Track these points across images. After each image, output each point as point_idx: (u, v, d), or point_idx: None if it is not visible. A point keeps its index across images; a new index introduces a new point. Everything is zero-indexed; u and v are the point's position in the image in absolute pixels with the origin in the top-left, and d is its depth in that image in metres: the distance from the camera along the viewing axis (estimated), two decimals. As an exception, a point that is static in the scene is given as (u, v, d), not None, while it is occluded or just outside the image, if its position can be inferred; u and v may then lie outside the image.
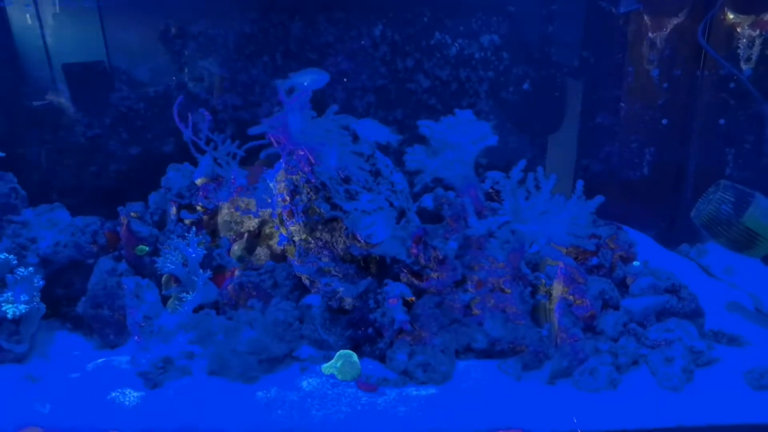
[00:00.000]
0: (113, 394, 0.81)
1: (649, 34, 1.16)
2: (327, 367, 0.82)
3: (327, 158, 0.78)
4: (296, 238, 0.90)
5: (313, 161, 0.82)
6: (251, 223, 1.00)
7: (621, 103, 1.20)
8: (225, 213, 1.01)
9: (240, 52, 1.14)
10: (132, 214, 0.97)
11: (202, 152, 1.00)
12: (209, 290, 0.96)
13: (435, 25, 1.20)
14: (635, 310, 0.86)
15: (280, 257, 1.02)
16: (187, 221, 1.00)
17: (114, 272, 0.98)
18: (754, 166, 1.21)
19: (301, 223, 0.87)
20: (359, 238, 0.85)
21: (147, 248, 0.99)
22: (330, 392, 0.78)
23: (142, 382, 0.83)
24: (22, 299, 0.87)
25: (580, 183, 0.78)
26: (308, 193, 0.86)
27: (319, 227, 0.88)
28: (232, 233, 1.01)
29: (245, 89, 1.13)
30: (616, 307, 0.88)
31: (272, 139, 0.83)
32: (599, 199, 0.78)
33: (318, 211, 0.86)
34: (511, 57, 1.21)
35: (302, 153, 0.84)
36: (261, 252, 1.02)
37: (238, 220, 1.01)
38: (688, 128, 1.22)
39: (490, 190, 0.86)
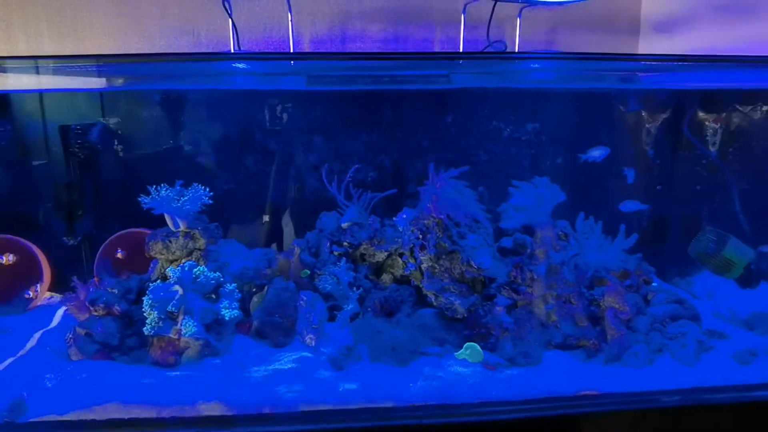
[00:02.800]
0: (314, 375, 1.14)
1: (647, 125, 1.65)
2: (459, 354, 1.18)
3: (454, 213, 1.19)
4: (424, 266, 1.29)
5: (440, 215, 1.23)
6: (381, 256, 1.38)
7: (629, 172, 1.66)
8: (363, 248, 1.38)
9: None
10: (298, 248, 1.34)
11: (346, 204, 1.40)
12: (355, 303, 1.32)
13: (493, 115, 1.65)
14: (657, 314, 1.27)
15: (398, 281, 1.39)
16: (336, 253, 1.37)
17: (286, 289, 1.33)
18: (723, 218, 1.68)
19: (432, 255, 1.26)
20: (474, 265, 1.24)
21: (308, 272, 1.35)
22: (466, 370, 1.15)
23: (330, 365, 1.17)
24: (233, 307, 1.21)
25: (622, 227, 1.20)
26: (437, 233, 1.26)
27: (443, 257, 1.27)
28: (365, 263, 1.39)
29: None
30: (644, 313, 1.29)
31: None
32: (634, 237, 1.20)
33: (444, 245, 1.26)
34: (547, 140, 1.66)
35: (431, 206, 1.25)
36: (386, 277, 1.39)
37: (371, 253, 1.39)
38: (675, 192, 1.69)
39: (560, 233, 1.28)
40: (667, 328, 1.25)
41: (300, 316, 1.30)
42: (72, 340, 1.27)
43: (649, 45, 1.85)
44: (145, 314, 1.21)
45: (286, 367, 1.19)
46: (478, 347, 1.19)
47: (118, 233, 1.58)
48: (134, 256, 1.60)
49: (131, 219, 1.57)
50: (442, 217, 1.23)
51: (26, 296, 1.51)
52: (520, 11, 1.56)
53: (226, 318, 1.21)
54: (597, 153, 1.40)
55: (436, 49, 1.75)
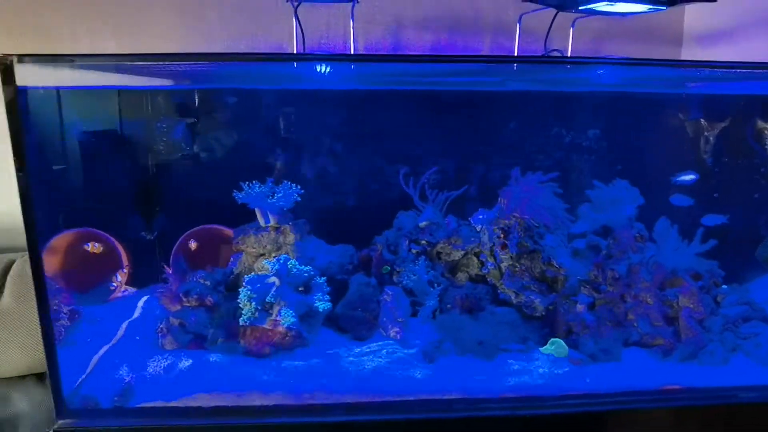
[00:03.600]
0: (406, 367, 1.19)
1: (705, 133, 1.70)
2: (545, 349, 1.24)
3: (539, 214, 1.25)
4: (504, 264, 1.34)
5: (524, 215, 1.28)
6: (457, 254, 1.44)
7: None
8: (440, 247, 1.44)
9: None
10: (380, 245, 1.39)
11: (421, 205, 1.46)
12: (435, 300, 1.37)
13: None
14: (730, 315, 1.32)
15: (473, 279, 1.45)
16: (414, 251, 1.42)
17: (368, 285, 1.39)
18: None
19: (513, 254, 1.32)
20: (555, 264, 1.30)
21: (389, 268, 1.40)
22: (554, 363, 1.20)
23: (421, 357, 1.22)
24: (325, 299, 1.27)
25: (700, 231, 1.26)
26: (520, 233, 1.31)
27: (524, 256, 1.32)
28: (441, 262, 1.44)
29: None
30: (716, 314, 1.34)
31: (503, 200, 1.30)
32: (713, 242, 1.26)
33: (526, 245, 1.31)
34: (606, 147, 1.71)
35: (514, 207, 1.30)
36: (461, 275, 1.45)
37: (448, 251, 1.44)
38: (734, 198, 1.73)
39: (636, 235, 1.33)
40: (740, 329, 1.30)
41: (384, 311, 1.35)
42: (165, 330, 1.33)
43: (692, 54, 1.90)
44: (241, 305, 1.27)
45: (377, 359, 1.24)
46: (563, 343, 1.24)
47: (193, 229, 1.64)
48: (207, 251, 1.66)
49: (205, 216, 1.63)
50: (525, 217, 1.28)
51: (111, 287, 1.57)
52: (574, 21, 1.61)
53: (320, 309, 1.26)
54: (688, 178, 1.45)
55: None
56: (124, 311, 1.56)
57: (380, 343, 1.31)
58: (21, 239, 1.07)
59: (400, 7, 1.72)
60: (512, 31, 1.68)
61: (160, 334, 1.33)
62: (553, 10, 1.46)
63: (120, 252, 1.63)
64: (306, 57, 1.39)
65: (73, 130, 1.48)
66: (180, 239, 1.64)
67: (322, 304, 1.26)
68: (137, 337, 1.40)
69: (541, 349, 1.25)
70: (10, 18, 1.55)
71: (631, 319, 1.30)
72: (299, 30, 1.43)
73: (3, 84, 0.93)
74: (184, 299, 1.35)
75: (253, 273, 1.34)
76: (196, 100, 1.57)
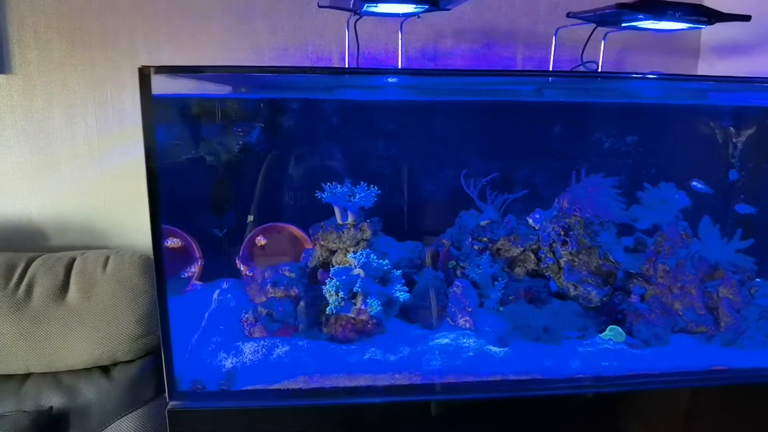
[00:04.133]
0: (482, 350, 1.33)
1: (733, 139, 1.86)
2: (605, 335, 1.38)
3: (601, 213, 1.39)
4: (564, 260, 1.48)
5: (585, 214, 1.43)
6: (516, 251, 1.57)
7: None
8: (500, 243, 1.58)
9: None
10: (448, 242, 1.53)
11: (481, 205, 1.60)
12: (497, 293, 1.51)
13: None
14: (764, 305, 1.48)
15: (530, 274, 1.58)
16: (476, 248, 1.56)
17: (436, 278, 1.52)
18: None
19: (573, 250, 1.46)
20: (611, 259, 1.44)
21: (455, 263, 1.54)
22: (614, 347, 1.35)
23: (495, 343, 1.35)
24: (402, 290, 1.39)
25: (739, 231, 1.41)
26: (579, 231, 1.45)
27: (582, 252, 1.46)
28: (501, 257, 1.58)
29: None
30: (751, 304, 1.49)
31: (562, 201, 1.44)
32: (750, 241, 1.42)
33: (584, 242, 1.45)
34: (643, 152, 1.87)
35: (574, 206, 1.44)
36: (519, 270, 1.58)
37: (507, 248, 1.58)
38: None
39: (682, 233, 1.48)
40: (774, 317, 1.45)
41: (452, 302, 1.48)
42: (253, 319, 1.44)
43: (709, 66, 2.06)
44: (327, 295, 1.39)
45: (455, 343, 1.37)
46: (620, 329, 1.39)
47: (261, 227, 1.76)
48: (277, 246, 1.78)
49: (273, 214, 1.75)
50: (586, 215, 1.43)
51: (182, 276, 1.67)
52: (606, 35, 1.75)
53: (401, 299, 1.39)
54: (700, 186, 1.60)
55: (519, 67, 1.96)
56: (199, 303, 1.67)
57: (453, 332, 1.44)
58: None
59: (439, 18, 1.84)
60: (541, 42, 1.82)
61: (246, 324, 1.45)
62: (589, 24, 1.57)
63: (194, 247, 1.74)
64: (405, 72, 1.52)
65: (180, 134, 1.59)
66: (249, 236, 1.76)
67: (402, 294, 1.39)
68: (221, 327, 1.51)
69: (600, 335, 1.40)
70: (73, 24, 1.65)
71: (678, 308, 1.44)
72: (355, 43, 1.55)
73: (141, 93, 1.04)
74: (271, 290, 1.46)
75: (335, 266, 1.46)
76: (280, 107, 1.69)
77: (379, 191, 1.47)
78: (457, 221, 1.62)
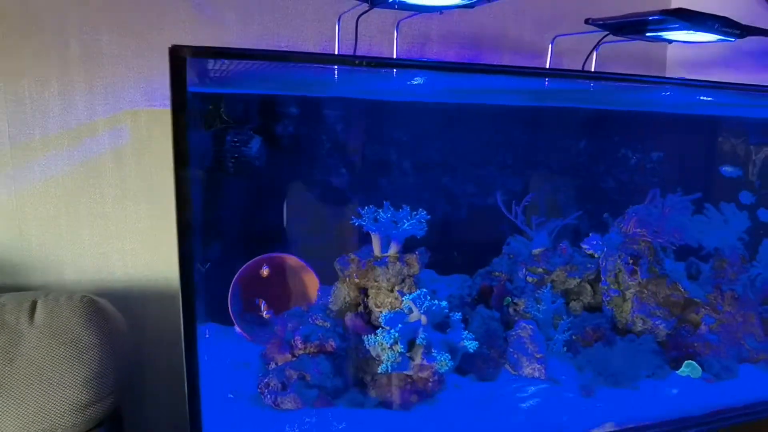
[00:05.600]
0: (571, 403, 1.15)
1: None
2: (682, 372, 1.27)
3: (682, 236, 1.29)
4: (631, 291, 1.35)
5: (659, 239, 1.31)
6: (573, 282, 1.41)
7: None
8: (555, 275, 1.41)
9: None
10: (504, 275, 1.32)
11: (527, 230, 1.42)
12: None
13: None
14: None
15: (587, 308, 1.43)
16: (531, 280, 1.37)
17: (492, 318, 1.30)
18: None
19: (643, 279, 1.33)
20: (681, 288, 1.33)
21: (510, 300, 1.33)
22: (693, 383, 1.24)
23: (579, 392, 1.17)
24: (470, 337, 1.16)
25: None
26: (649, 258, 1.33)
27: (652, 282, 1.34)
28: (556, 291, 1.41)
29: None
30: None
31: (629, 224, 1.31)
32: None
33: (655, 270, 1.33)
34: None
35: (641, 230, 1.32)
36: (575, 304, 1.43)
37: (563, 279, 1.41)
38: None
39: (740, 255, 1.42)
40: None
41: (515, 347, 1.27)
42: (278, 385, 1.12)
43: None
44: (379, 348, 1.11)
45: (530, 397, 1.17)
46: (696, 364, 1.28)
47: (251, 261, 1.42)
48: (279, 285, 1.45)
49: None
50: (657, 241, 1.31)
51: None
52: (598, 44, 1.67)
53: (470, 350, 1.15)
54: (731, 169, 1.57)
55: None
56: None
57: (518, 382, 1.24)
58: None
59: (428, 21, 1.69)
60: (530, 51, 1.72)
61: (268, 392, 1.12)
62: (586, 34, 1.47)
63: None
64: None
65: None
66: (240, 274, 1.41)
67: (471, 343, 1.15)
68: (230, 395, 1.16)
69: (677, 371, 1.28)
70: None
71: (739, 336, 1.38)
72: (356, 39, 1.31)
73: (173, 85, 0.72)
74: (302, 346, 1.15)
75: (381, 310, 1.19)
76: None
77: (428, 216, 1.23)
78: (505, 249, 1.43)
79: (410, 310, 1.16)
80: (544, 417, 1.12)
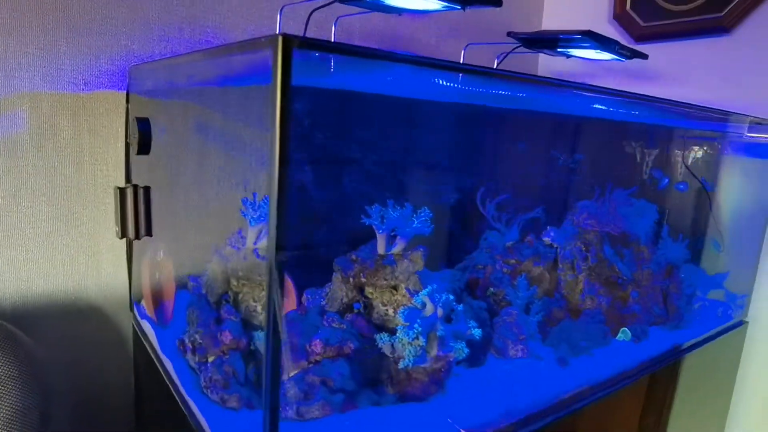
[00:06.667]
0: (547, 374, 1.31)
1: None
2: (619, 338, 1.54)
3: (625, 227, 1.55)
4: (583, 275, 1.58)
5: (605, 229, 1.56)
6: (537, 271, 1.60)
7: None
8: (524, 265, 1.58)
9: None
10: (488, 267, 1.44)
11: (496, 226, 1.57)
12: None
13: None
14: (690, 293, 1.88)
15: (546, 292, 1.64)
16: (506, 271, 1.52)
17: (480, 308, 1.40)
18: None
19: (593, 264, 1.57)
20: (617, 269, 1.61)
21: (492, 290, 1.46)
22: (627, 345, 1.52)
23: (557, 364, 1.34)
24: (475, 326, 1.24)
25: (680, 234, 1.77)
26: (597, 246, 1.57)
27: (597, 266, 1.59)
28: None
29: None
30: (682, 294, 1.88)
31: (580, 217, 1.53)
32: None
33: (601, 256, 1.58)
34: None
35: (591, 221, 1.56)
36: (539, 290, 1.62)
37: (529, 269, 1.59)
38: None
39: (651, 240, 1.76)
40: None
41: (502, 332, 1.41)
42: (299, 394, 1.08)
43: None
44: (400, 345, 1.14)
45: (523, 373, 1.31)
46: (628, 330, 1.57)
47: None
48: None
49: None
50: (606, 230, 1.55)
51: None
52: (507, 54, 1.91)
53: (476, 337, 1.24)
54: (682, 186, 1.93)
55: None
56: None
57: (509, 364, 1.38)
58: None
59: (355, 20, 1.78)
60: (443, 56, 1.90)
61: (294, 402, 1.07)
62: (496, 44, 1.68)
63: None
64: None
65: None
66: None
67: (476, 331, 1.25)
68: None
69: (616, 338, 1.55)
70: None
71: (650, 305, 1.72)
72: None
73: (277, 77, 0.66)
74: (322, 351, 1.11)
75: (397, 306, 1.22)
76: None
77: (431, 213, 1.30)
78: (482, 243, 1.56)
79: (423, 305, 1.22)
80: (539, 387, 1.28)
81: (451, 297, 1.28)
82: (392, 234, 1.31)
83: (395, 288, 1.27)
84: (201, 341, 1.19)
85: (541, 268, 1.61)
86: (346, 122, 1.43)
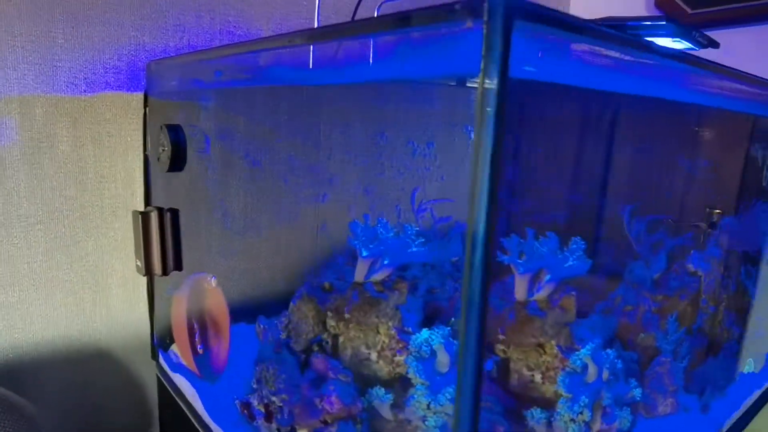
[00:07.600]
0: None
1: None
2: (747, 369, 1.42)
3: None
4: (723, 305, 1.43)
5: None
6: (681, 305, 1.45)
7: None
8: (672, 300, 1.42)
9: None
10: (629, 308, 1.29)
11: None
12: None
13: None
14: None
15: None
16: (654, 310, 1.37)
17: (632, 360, 1.27)
18: None
19: (732, 292, 1.41)
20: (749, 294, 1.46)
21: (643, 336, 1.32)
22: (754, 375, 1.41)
23: (700, 411, 1.22)
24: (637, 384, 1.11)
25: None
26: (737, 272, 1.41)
27: (736, 293, 1.44)
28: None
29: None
30: None
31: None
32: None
33: (740, 281, 1.42)
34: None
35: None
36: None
37: (675, 305, 1.44)
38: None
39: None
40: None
41: (653, 386, 1.27)
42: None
43: None
44: (561, 422, 1.01)
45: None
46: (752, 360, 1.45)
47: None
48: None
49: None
50: (744, 250, 1.39)
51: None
52: None
53: (638, 398, 1.11)
54: None
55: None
56: None
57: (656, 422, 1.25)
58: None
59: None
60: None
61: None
62: None
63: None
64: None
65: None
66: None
67: (637, 390, 1.12)
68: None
69: (744, 371, 1.44)
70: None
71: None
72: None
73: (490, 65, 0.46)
74: (337, 409, 0.92)
75: (551, 371, 1.07)
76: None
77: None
78: (627, 277, 1.37)
79: (584, 367, 1.08)
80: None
81: (612, 353, 1.14)
82: (536, 273, 1.14)
83: (541, 346, 1.12)
84: (282, 405, 0.94)
85: (686, 302, 1.45)
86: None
